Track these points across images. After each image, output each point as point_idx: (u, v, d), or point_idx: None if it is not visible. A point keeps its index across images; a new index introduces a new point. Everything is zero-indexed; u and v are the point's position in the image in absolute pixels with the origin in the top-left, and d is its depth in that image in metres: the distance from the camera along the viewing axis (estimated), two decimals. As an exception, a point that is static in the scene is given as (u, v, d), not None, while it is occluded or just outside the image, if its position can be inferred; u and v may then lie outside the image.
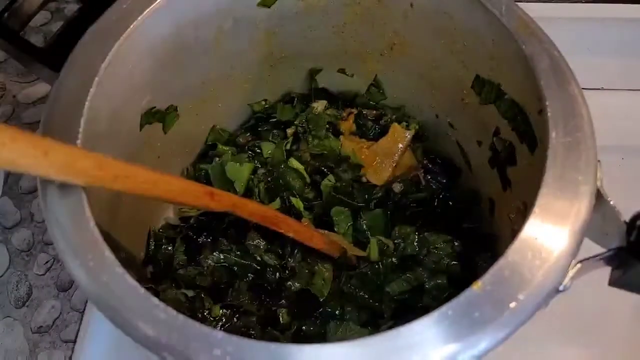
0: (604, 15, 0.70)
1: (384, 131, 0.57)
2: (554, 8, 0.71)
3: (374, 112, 0.60)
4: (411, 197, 0.54)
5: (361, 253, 0.51)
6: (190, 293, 0.49)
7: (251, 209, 0.44)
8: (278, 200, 0.53)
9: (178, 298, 0.49)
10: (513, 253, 0.30)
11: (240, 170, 0.53)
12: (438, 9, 0.45)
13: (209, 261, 0.50)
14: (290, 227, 0.47)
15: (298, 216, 0.53)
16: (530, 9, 0.40)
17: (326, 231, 0.52)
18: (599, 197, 0.32)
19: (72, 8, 0.80)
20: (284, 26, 0.52)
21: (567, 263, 0.30)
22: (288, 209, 0.53)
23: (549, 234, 0.31)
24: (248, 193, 0.54)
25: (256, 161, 0.56)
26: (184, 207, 0.56)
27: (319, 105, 0.59)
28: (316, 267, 0.49)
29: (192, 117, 0.53)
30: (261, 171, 0.55)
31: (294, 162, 0.54)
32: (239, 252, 0.50)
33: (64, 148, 0.29)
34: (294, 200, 0.52)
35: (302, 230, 0.48)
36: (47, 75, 0.40)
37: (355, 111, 0.59)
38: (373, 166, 0.56)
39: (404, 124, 0.58)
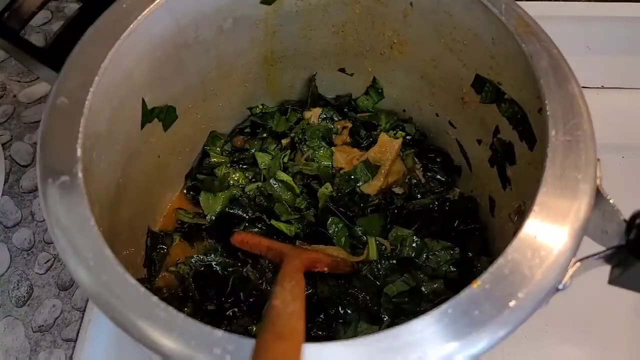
0: (603, 13, 0.70)
1: (376, 140, 0.57)
2: (553, 7, 0.71)
3: (367, 115, 0.60)
4: (411, 205, 0.54)
5: (359, 259, 0.51)
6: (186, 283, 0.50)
7: (304, 258, 0.46)
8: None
9: (172, 283, 0.50)
10: (513, 251, 0.30)
11: (214, 200, 0.55)
12: (438, 8, 0.45)
13: (199, 262, 0.51)
14: (323, 265, 0.48)
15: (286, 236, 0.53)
16: (530, 8, 0.40)
17: (322, 246, 0.52)
18: (599, 196, 0.32)
19: (72, 8, 0.80)
20: (284, 25, 0.52)
21: (566, 261, 0.30)
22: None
23: (548, 232, 0.31)
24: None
25: (247, 174, 0.57)
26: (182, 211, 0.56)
27: (313, 115, 0.59)
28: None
29: (192, 117, 0.53)
30: (254, 185, 0.55)
31: (282, 175, 0.55)
32: (228, 253, 0.51)
33: None
34: (281, 225, 0.53)
35: (332, 264, 0.49)
36: (47, 75, 0.40)
37: (349, 125, 0.59)
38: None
39: (392, 132, 0.58)
